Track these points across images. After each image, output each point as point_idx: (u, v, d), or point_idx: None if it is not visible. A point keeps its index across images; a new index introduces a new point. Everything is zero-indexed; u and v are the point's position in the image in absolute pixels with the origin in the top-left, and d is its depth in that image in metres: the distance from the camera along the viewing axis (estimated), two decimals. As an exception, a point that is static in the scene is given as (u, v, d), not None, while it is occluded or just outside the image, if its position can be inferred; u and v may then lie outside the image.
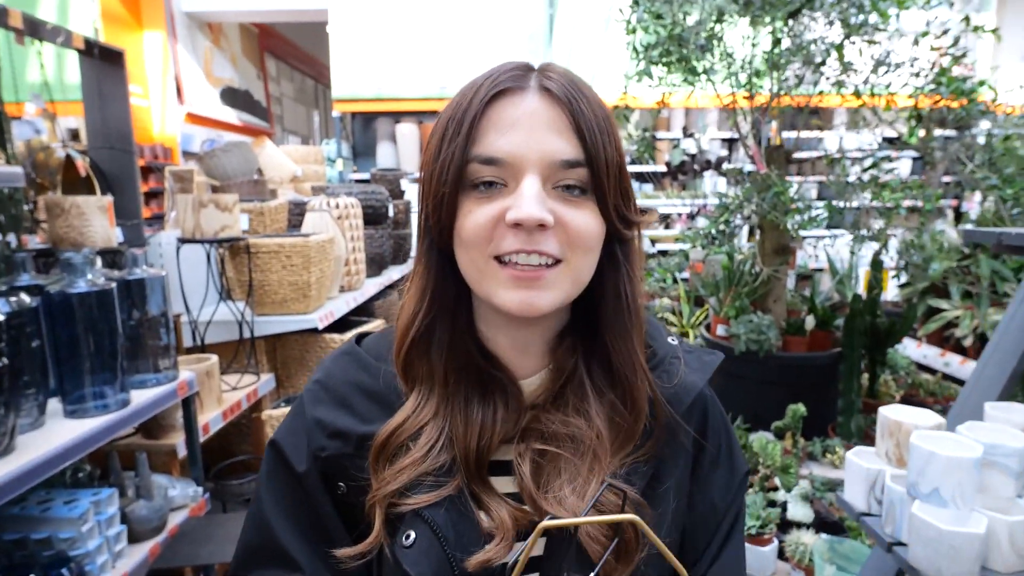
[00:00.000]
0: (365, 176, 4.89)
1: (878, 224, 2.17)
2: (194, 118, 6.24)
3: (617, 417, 0.57)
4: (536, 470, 0.55)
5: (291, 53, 9.51)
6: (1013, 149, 1.88)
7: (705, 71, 2.08)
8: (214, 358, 1.96)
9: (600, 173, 0.53)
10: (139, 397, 1.46)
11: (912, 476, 0.91)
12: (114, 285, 1.37)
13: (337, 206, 2.81)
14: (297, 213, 2.87)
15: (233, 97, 7.25)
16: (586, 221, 0.53)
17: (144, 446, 1.72)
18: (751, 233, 3.42)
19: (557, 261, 0.53)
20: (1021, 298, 1.20)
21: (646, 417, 0.58)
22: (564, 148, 0.52)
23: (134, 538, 1.50)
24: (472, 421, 0.56)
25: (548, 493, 0.54)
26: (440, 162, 0.54)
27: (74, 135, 3.73)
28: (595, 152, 0.52)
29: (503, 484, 0.57)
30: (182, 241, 2.04)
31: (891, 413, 1.03)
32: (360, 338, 0.67)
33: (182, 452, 1.75)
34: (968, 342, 2.66)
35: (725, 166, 2.61)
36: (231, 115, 7.14)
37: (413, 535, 0.53)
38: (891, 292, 3.39)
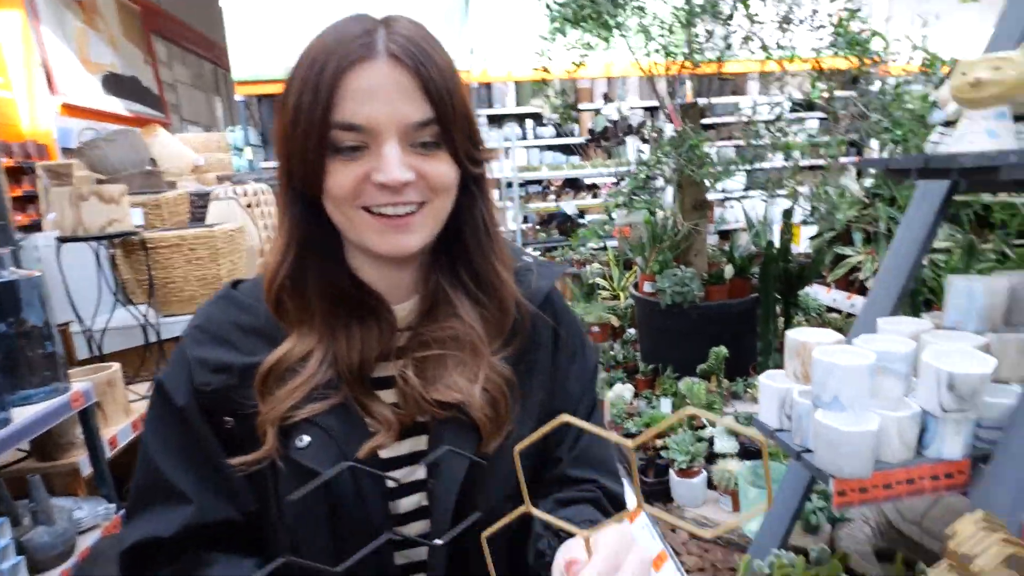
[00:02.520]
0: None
1: (788, 182, 2.30)
2: (71, 109, 5.63)
3: (486, 313, 0.67)
4: (421, 372, 0.64)
5: (182, 34, 8.79)
6: (902, 95, 2.03)
7: (618, 26, 2.08)
8: (116, 366, 1.78)
9: (449, 127, 0.59)
10: (22, 414, 1.29)
11: (816, 388, 0.99)
12: (-24, 290, 1.19)
13: (245, 193, 2.62)
14: (200, 204, 2.65)
15: (117, 84, 6.61)
16: (442, 170, 0.61)
17: (38, 468, 1.54)
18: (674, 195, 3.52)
19: (421, 204, 0.61)
20: (904, 226, 1.34)
21: (513, 315, 0.68)
22: (416, 111, 0.58)
23: (37, 568, 1.34)
24: (352, 340, 0.64)
25: (439, 383, 0.63)
26: (301, 129, 0.58)
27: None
28: (443, 110, 0.59)
29: (386, 396, 0.65)
30: (62, 240, 1.82)
31: (797, 335, 1.10)
32: (235, 284, 0.71)
33: (86, 470, 1.58)
34: (870, 283, 2.87)
35: (646, 129, 2.66)
36: (117, 105, 6.52)
37: (307, 438, 0.60)
38: (803, 245, 3.61)
